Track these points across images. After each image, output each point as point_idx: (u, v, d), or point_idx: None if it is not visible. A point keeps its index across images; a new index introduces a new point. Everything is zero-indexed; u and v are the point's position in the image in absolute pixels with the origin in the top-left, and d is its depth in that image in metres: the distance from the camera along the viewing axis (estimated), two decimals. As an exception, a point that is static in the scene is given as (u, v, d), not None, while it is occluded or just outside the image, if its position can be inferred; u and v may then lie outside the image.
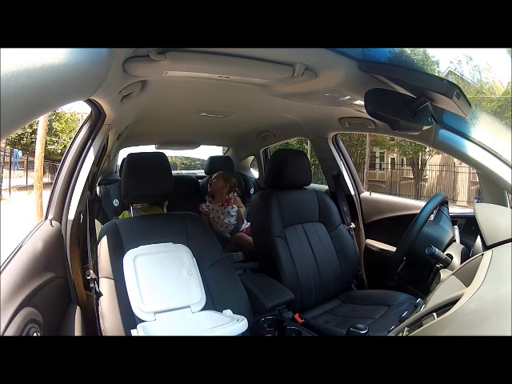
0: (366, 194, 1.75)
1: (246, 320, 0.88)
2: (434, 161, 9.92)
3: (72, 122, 11.70)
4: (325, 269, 1.44)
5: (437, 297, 0.59)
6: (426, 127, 0.92)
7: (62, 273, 0.83)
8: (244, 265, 1.80)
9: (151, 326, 0.91)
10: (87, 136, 1.01)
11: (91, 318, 0.90)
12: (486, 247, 0.68)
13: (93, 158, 1.00)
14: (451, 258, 0.88)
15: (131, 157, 1.13)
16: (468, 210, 1.46)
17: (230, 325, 0.86)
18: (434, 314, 0.50)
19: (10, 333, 0.46)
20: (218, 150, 2.78)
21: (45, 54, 0.37)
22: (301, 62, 0.81)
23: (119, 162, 2.37)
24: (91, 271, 0.91)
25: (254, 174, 2.70)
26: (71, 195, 0.94)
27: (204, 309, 1.01)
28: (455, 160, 7.77)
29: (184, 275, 1.04)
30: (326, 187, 1.89)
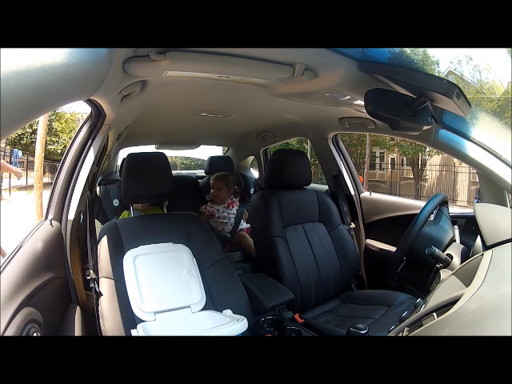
0: (366, 194, 1.75)
1: (245, 320, 0.88)
2: (433, 161, 9.93)
3: (72, 121, 11.70)
4: (325, 269, 1.44)
5: (437, 297, 0.59)
6: (426, 127, 0.92)
7: (62, 273, 0.83)
8: (244, 265, 1.80)
9: (151, 326, 0.91)
10: (87, 136, 1.01)
11: (91, 318, 0.90)
12: (486, 247, 0.68)
13: (93, 158, 1.00)
14: (451, 257, 0.88)
15: (131, 157, 1.13)
16: (468, 210, 1.46)
17: (230, 325, 0.86)
18: (434, 313, 0.50)
19: (9, 333, 0.46)
20: (218, 150, 2.78)
21: (45, 54, 0.37)
22: (301, 61, 0.81)
23: (119, 162, 2.37)
24: (91, 271, 0.91)
25: (254, 174, 2.70)
26: (71, 195, 0.94)
27: (204, 309, 1.01)
28: (455, 160, 7.78)
29: (184, 275, 1.04)
30: (326, 187, 1.89)
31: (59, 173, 0.97)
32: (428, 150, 9.24)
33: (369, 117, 1.15)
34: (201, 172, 2.58)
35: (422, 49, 0.83)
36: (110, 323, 0.88)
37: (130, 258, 1.01)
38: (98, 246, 1.01)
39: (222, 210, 2.01)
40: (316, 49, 0.78)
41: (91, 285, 0.90)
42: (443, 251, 0.90)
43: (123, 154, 2.33)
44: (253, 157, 2.58)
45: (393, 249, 1.52)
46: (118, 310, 0.91)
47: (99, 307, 0.89)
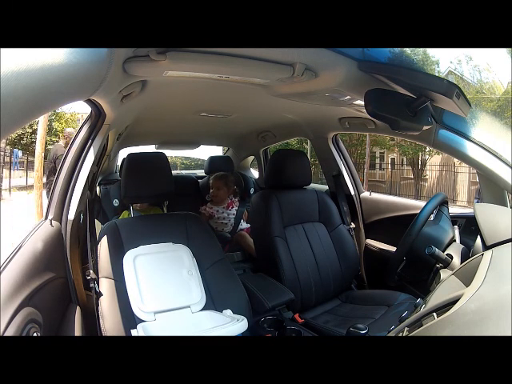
0: (366, 194, 1.75)
1: (245, 320, 0.88)
2: (434, 161, 9.92)
3: (72, 122, 11.70)
4: (325, 269, 1.44)
5: (437, 297, 0.59)
6: (426, 127, 0.92)
7: (62, 273, 0.82)
8: (244, 265, 1.80)
9: (151, 326, 0.91)
10: (87, 136, 1.01)
11: (91, 318, 0.90)
12: (486, 247, 0.68)
13: (93, 158, 1.00)
14: (451, 257, 0.88)
15: (131, 157, 1.13)
16: (468, 210, 1.46)
17: (230, 325, 0.86)
18: (434, 313, 0.50)
19: (10, 333, 0.46)
20: (218, 150, 2.78)
21: (45, 54, 0.37)
22: (301, 61, 0.81)
23: (119, 162, 2.37)
24: (91, 271, 0.91)
25: (254, 174, 2.70)
26: (71, 195, 0.94)
27: (204, 309, 1.01)
28: (455, 160, 7.78)
29: (184, 275, 1.04)
30: (326, 187, 1.89)
31: (59, 173, 0.97)
32: (428, 149, 9.24)
33: (369, 117, 1.15)
34: (201, 172, 2.58)
35: (421, 49, 0.83)
36: (110, 323, 0.88)
37: (129, 257, 1.01)
38: (98, 246, 1.01)
39: (221, 210, 2.01)
40: (316, 49, 0.78)
41: (91, 285, 0.90)
42: (443, 251, 0.90)
43: (123, 153, 2.34)
44: (253, 157, 2.58)
45: (393, 249, 1.52)
46: (118, 310, 0.91)
47: (99, 307, 0.89)
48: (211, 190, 2.02)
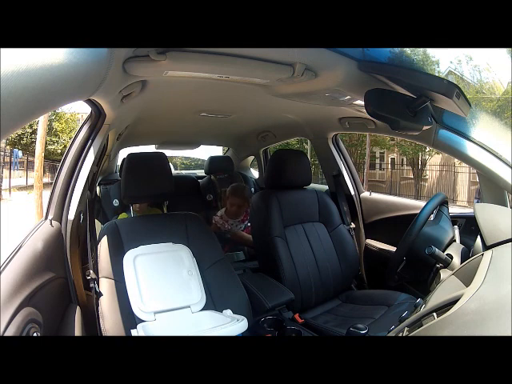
0: (366, 194, 1.75)
1: (245, 320, 0.88)
2: (434, 161, 9.94)
3: (72, 121, 11.71)
4: (325, 269, 1.44)
5: (437, 297, 0.59)
6: (426, 127, 0.92)
7: (62, 273, 0.83)
8: (244, 265, 1.80)
9: (151, 326, 0.91)
10: (87, 136, 1.01)
11: (91, 318, 0.90)
12: (486, 247, 0.68)
13: (93, 158, 1.01)
14: (451, 257, 0.89)
15: (131, 157, 1.13)
16: (468, 210, 1.46)
17: (230, 325, 0.86)
18: (434, 313, 0.50)
19: (10, 333, 0.46)
20: (218, 150, 2.79)
21: (45, 54, 0.37)
22: (301, 61, 0.81)
23: (119, 162, 2.38)
24: (91, 271, 0.91)
25: (254, 174, 2.71)
26: (71, 195, 0.94)
27: (204, 309, 1.01)
28: (455, 160, 7.78)
29: (184, 275, 1.04)
30: (326, 187, 1.89)
31: (59, 173, 0.97)
32: (428, 149, 9.25)
33: (369, 117, 1.15)
34: (201, 172, 2.58)
35: (421, 49, 0.83)
36: (110, 323, 0.88)
37: (130, 258, 1.01)
38: (98, 246, 1.01)
39: (235, 223, 1.92)
40: (316, 49, 0.78)
41: (91, 285, 0.90)
42: (443, 251, 0.90)
43: (123, 154, 2.34)
44: (253, 157, 2.58)
45: (393, 249, 1.52)
46: (118, 310, 0.91)
47: (99, 307, 0.89)
48: (230, 207, 1.88)
